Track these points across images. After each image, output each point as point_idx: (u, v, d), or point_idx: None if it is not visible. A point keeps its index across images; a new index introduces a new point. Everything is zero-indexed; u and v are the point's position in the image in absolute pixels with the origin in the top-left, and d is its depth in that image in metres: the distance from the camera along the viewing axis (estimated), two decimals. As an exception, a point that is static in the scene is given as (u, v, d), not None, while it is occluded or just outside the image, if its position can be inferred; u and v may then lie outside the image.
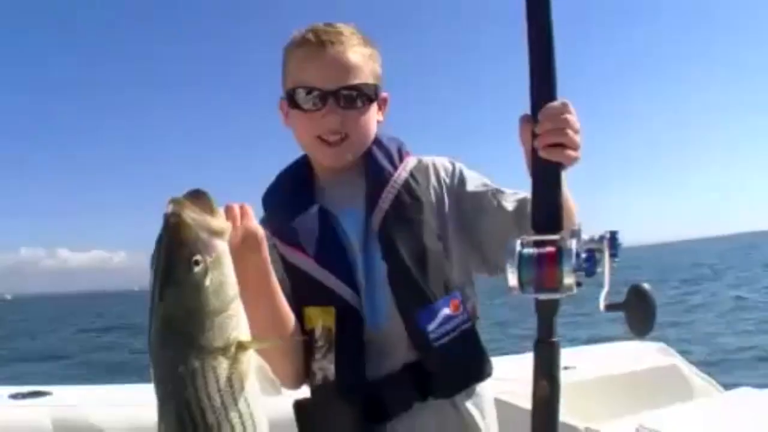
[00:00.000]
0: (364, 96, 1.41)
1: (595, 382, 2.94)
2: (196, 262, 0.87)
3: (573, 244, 1.01)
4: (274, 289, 1.23)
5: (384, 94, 1.49)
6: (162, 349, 0.87)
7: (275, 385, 0.97)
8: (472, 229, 1.43)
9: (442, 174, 1.49)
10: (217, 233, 0.91)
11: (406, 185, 1.42)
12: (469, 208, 1.44)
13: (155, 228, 0.91)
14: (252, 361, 0.93)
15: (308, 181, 1.50)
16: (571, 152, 1.13)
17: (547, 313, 1.08)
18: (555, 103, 1.12)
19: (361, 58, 1.41)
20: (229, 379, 0.88)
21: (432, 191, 1.45)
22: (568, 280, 1.01)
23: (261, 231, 1.15)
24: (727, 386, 3.13)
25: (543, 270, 1.02)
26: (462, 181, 1.48)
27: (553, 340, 1.09)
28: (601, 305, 1.03)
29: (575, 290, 1.02)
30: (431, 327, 1.32)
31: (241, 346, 0.90)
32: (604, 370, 3.08)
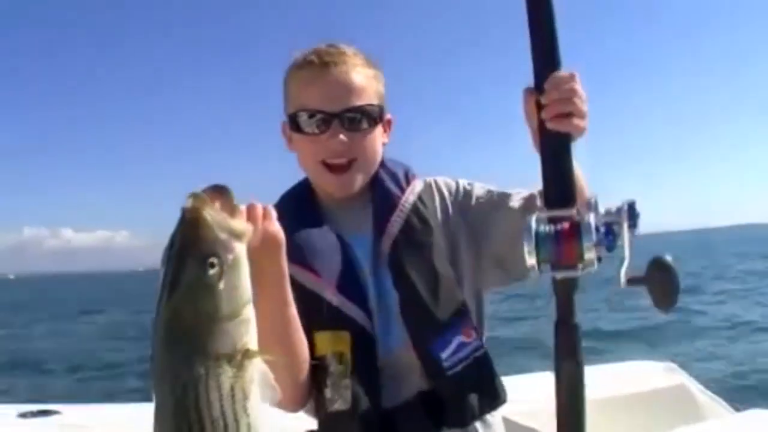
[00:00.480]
0: (369, 117, 1.38)
1: (601, 403, 2.87)
2: (212, 264, 0.83)
3: (591, 217, 1.00)
4: (288, 300, 1.18)
5: (389, 116, 1.47)
6: (165, 352, 0.83)
7: (275, 392, 0.92)
8: (483, 238, 1.41)
9: (446, 192, 1.48)
10: (237, 235, 0.87)
11: (415, 209, 1.40)
12: (478, 217, 1.43)
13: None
14: (256, 370, 0.88)
15: (313, 204, 1.46)
16: (579, 121, 1.12)
17: (566, 292, 1.06)
18: (561, 72, 1.11)
19: (365, 79, 1.39)
20: (232, 388, 0.84)
21: (440, 212, 1.44)
22: (589, 254, 0.99)
23: (282, 236, 1.10)
24: (739, 407, 3.07)
25: (561, 247, 1.01)
26: (467, 193, 1.47)
27: (575, 322, 1.06)
28: (622, 280, 1.01)
29: (596, 266, 1.01)
30: (444, 355, 1.30)
31: (248, 355, 0.85)
32: (610, 390, 3.01)
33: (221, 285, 0.83)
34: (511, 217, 1.36)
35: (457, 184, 1.49)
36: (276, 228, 1.09)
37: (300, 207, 1.44)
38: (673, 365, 3.23)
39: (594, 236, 0.99)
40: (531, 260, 1.02)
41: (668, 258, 1.00)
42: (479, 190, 1.47)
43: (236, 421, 0.84)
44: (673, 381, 3.08)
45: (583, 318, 1.06)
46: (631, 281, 1.01)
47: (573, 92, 1.10)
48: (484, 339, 1.40)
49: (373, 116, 1.39)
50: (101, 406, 3.33)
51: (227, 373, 0.83)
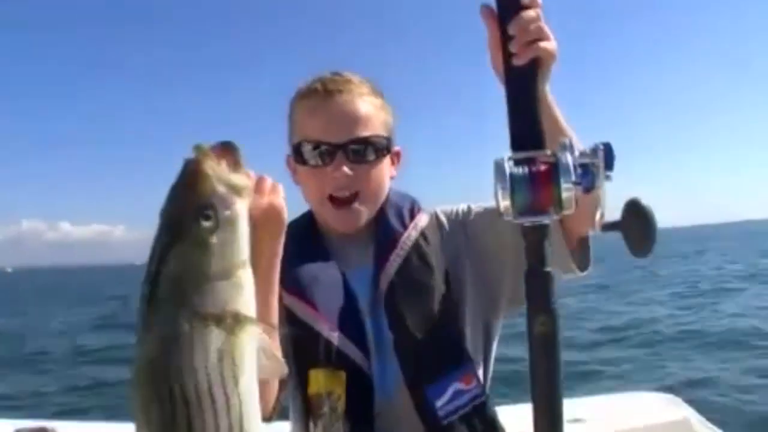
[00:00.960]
0: (376, 149, 1.34)
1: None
2: (207, 216, 0.80)
3: (567, 157, 0.97)
4: (276, 288, 1.10)
5: (397, 148, 1.43)
6: (149, 307, 0.78)
7: (277, 364, 0.88)
8: (490, 257, 1.36)
9: (445, 220, 1.44)
10: (237, 190, 0.84)
11: (416, 246, 1.36)
12: (486, 239, 1.37)
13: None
14: (253, 341, 0.83)
15: (316, 237, 1.43)
16: (547, 44, 1.03)
17: (537, 239, 1.02)
18: (529, 13, 1.03)
19: (372, 108, 1.35)
20: (220, 353, 0.78)
21: (442, 245, 1.39)
22: (567, 194, 0.96)
23: (285, 214, 1.06)
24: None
25: (538, 189, 0.98)
26: (466, 213, 1.43)
27: (547, 269, 1.02)
28: (596, 226, 0.98)
29: (574, 208, 0.97)
30: (440, 403, 1.26)
31: (240, 319, 0.80)
32: (612, 424, 2.93)
33: (214, 239, 0.80)
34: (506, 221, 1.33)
35: (457, 208, 1.46)
36: (281, 203, 1.05)
37: (302, 238, 1.39)
38: (678, 399, 3.14)
39: (573, 176, 0.96)
40: (505, 202, 0.99)
41: (642, 200, 0.97)
42: (479, 207, 1.44)
43: (224, 388, 0.78)
44: (677, 415, 2.99)
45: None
46: (606, 227, 0.98)
47: (542, 32, 1.02)
48: (488, 378, 1.35)
49: (379, 148, 1.35)
50: (99, 424, 3.30)
51: (215, 334, 0.78)
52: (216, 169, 0.82)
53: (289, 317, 1.26)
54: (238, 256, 0.82)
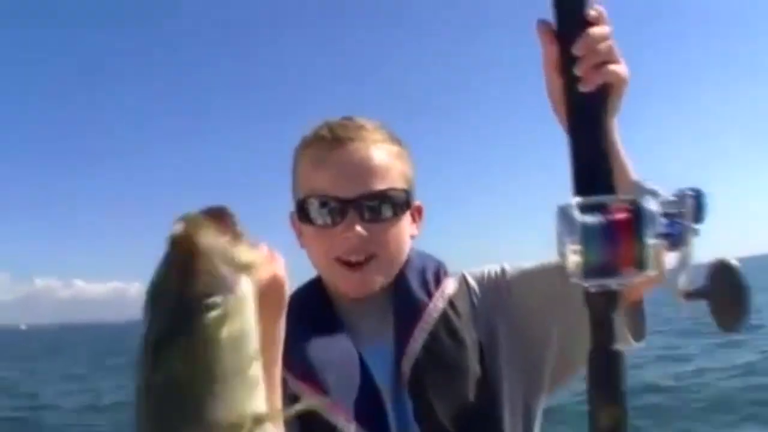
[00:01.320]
0: (393, 204, 1.16)
1: None
2: (212, 306, 0.65)
3: (652, 204, 0.78)
4: (279, 358, 0.89)
5: (418, 203, 1.25)
6: (153, 427, 0.65)
7: None
8: (532, 328, 1.18)
9: (476, 284, 1.23)
10: (243, 267, 0.69)
11: (444, 319, 1.16)
12: (528, 306, 1.19)
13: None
14: None
15: (327, 306, 1.22)
16: (617, 67, 0.88)
17: (605, 305, 0.80)
18: (598, 30, 0.87)
19: (388, 158, 1.17)
20: None
21: (478, 317, 1.19)
22: (652, 250, 0.76)
23: (286, 288, 0.85)
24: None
25: (617, 244, 0.76)
26: (514, 277, 1.22)
27: (616, 348, 0.81)
28: (679, 294, 0.79)
29: (657, 269, 0.77)
30: None
31: (260, 420, 0.67)
32: None
33: (223, 333, 0.66)
34: (549, 275, 1.11)
35: (489, 270, 1.26)
36: (282, 276, 0.83)
37: (310, 309, 1.19)
38: None
39: (658, 227, 0.76)
40: (574, 258, 0.77)
41: (732, 261, 0.79)
42: (514, 269, 1.24)
43: None
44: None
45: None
46: (691, 295, 0.79)
47: (611, 52, 0.88)
48: None
49: (397, 203, 1.16)
50: None
51: None
52: (214, 243, 0.67)
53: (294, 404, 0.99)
54: (252, 346, 0.69)
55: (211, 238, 0.67)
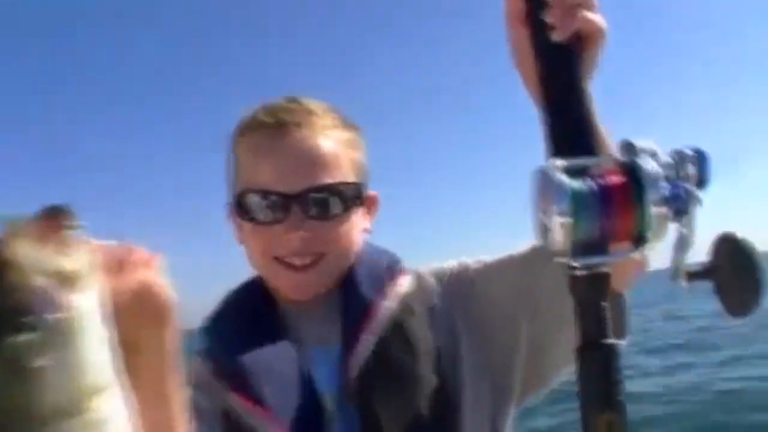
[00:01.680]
0: (343, 199, 1.06)
1: None
2: (25, 328, 0.56)
3: (651, 164, 0.64)
4: (173, 402, 0.76)
5: (372, 193, 1.14)
6: None
7: None
8: (499, 327, 1.08)
9: (439, 283, 1.13)
10: (71, 280, 0.59)
11: (397, 321, 1.05)
12: (495, 303, 1.09)
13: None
14: None
15: (269, 308, 1.12)
16: (593, 16, 0.77)
17: (597, 290, 0.67)
18: None
19: (338, 146, 1.07)
20: None
21: (436, 318, 1.09)
22: (656, 219, 0.63)
23: (167, 292, 0.73)
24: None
25: (616, 214, 0.63)
26: (477, 271, 1.13)
27: (610, 341, 0.67)
28: (681, 275, 0.66)
29: (662, 240, 0.64)
30: None
31: None
32: None
33: (42, 361, 0.56)
34: (516, 267, 1.04)
35: (449, 265, 1.16)
36: (156, 280, 0.72)
37: (247, 312, 1.11)
38: None
39: (660, 190, 0.63)
40: (562, 232, 0.63)
41: (739, 235, 0.67)
42: (477, 262, 1.15)
43: None
44: None
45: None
46: (693, 275, 0.67)
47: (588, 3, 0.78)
48: None
49: (348, 197, 1.07)
50: None
51: None
52: (32, 252, 0.59)
53: (226, 421, 0.99)
54: (91, 378, 0.58)
55: (29, 247, 0.58)
